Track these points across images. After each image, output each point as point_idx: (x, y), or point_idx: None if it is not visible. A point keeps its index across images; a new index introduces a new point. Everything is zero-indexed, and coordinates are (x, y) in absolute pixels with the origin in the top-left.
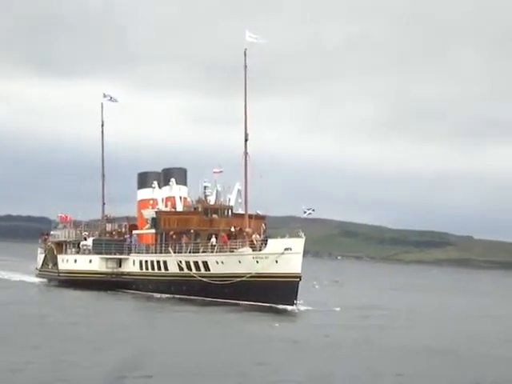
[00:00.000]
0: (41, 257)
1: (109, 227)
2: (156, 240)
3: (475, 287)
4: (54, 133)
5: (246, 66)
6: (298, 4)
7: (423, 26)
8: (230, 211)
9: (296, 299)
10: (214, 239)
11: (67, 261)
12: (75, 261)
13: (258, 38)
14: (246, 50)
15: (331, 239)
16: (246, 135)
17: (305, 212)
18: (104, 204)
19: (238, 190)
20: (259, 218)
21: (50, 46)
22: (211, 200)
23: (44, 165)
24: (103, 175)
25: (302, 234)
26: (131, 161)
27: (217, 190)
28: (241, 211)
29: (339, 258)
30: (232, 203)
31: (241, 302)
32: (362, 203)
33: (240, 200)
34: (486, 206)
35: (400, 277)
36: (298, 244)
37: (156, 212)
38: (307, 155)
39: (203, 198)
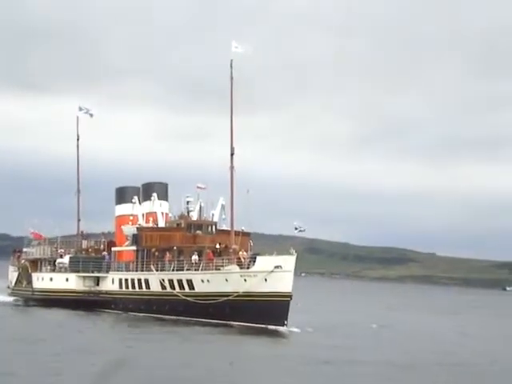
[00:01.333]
0: (13, 275)
1: (84, 244)
2: (137, 257)
3: (441, 304)
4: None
5: (232, 78)
6: (273, 21)
7: (398, 41)
8: (214, 227)
9: (287, 320)
10: (195, 256)
11: (42, 279)
12: (51, 279)
13: (245, 49)
14: (231, 61)
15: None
16: (232, 149)
17: (296, 229)
18: (79, 220)
19: (222, 206)
20: (245, 234)
21: (24, 62)
22: (193, 216)
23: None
24: (78, 191)
25: (294, 251)
26: (106, 176)
27: (200, 206)
28: (225, 227)
29: (303, 274)
30: (216, 219)
31: (227, 322)
32: (328, 220)
33: (224, 216)
34: (450, 222)
35: (365, 295)
36: (288, 262)
37: (137, 228)
38: (279, 171)
39: (186, 214)
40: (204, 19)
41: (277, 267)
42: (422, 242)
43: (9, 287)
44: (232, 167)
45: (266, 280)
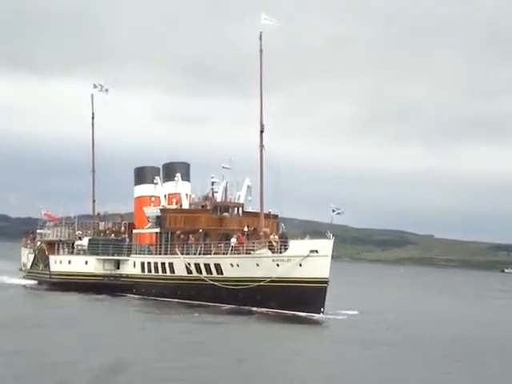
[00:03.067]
0: (28, 257)
1: (102, 226)
2: (160, 240)
3: (460, 287)
4: (31, 132)
5: (261, 51)
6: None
7: (402, 26)
8: (241, 209)
9: (323, 307)
10: (234, 239)
11: (60, 262)
12: (69, 262)
13: (274, 21)
14: (261, 33)
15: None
16: (262, 126)
17: (333, 211)
18: (94, 201)
19: (248, 187)
20: (273, 217)
21: (27, 45)
22: (217, 197)
23: (16, 164)
24: (93, 170)
25: (331, 235)
26: (117, 157)
27: (226, 187)
28: (251, 209)
29: None
30: (242, 201)
31: (256, 309)
32: (327, 203)
33: (250, 197)
34: (449, 205)
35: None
36: (326, 246)
37: (161, 209)
38: (281, 154)
39: (211, 195)
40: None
41: (312, 251)
42: (421, 224)
43: (21, 269)
44: (262, 146)
45: (300, 265)
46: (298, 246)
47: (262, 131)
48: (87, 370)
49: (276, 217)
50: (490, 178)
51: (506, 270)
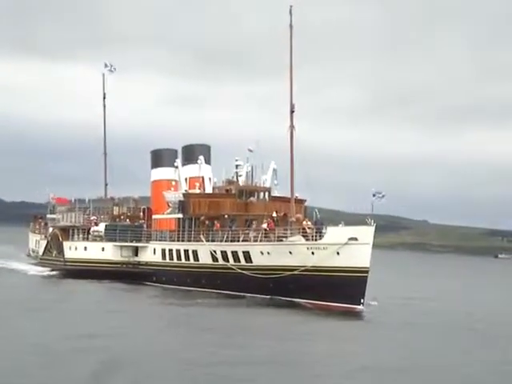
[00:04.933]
0: (40, 243)
1: (116, 210)
2: (183, 226)
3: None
4: (34, 115)
5: (291, 26)
6: None
7: (404, 11)
8: (268, 194)
9: (363, 298)
10: (265, 225)
11: (76, 248)
12: (85, 248)
13: None
14: (291, 7)
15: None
16: (292, 106)
17: (374, 195)
18: (106, 185)
19: (274, 170)
20: (300, 201)
21: (34, 29)
22: (241, 181)
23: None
24: (105, 153)
25: (372, 222)
26: (124, 140)
27: (252, 170)
28: (277, 194)
29: None
30: (268, 185)
31: (288, 299)
32: (321, 187)
33: (276, 181)
34: (444, 190)
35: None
36: (366, 233)
37: (184, 194)
38: (279, 138)
39: (235, 179)
40: None
41: (352, 239)
42: (416, 209)
43: (29, 255)
44: (292, 126)
45: (338, 253)
46: (335, 233)
47: (292, 111)
48: None
49: (303, 202)
50: (487, 163)
51: (500, 256)
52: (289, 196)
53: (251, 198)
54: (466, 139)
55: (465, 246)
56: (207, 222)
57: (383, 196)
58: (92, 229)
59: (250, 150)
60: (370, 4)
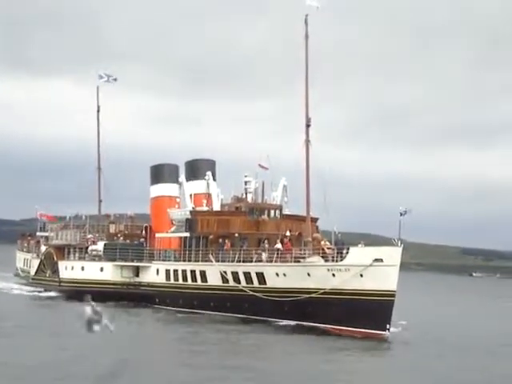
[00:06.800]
0: (22, 261)
1: (112, 228)
2: (189, 245)
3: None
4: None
5: (307, 36)
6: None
7: (398, 30)
8: (279, 211)
9: (390, 323)
10: (279, 245)
11: (72, 268)
12: (82, 268)
13: (319, 3)
14: (306, 16)
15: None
16: (308, 120)
17: (401, 214)
18: (100, 201)
19: (284, 187)
20: (313, 220)
21: (24, 44)
22: (249, 198)
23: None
24: (99, 168)
25: (399, 243)
26: (117, 156)
27: (263, 187)
28: (288, 212)
29: None
30: (278, 202)
31: (305, 324)
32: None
33: (286, 198)
34: (424, 209)
35: None
36: (393, 254)
37: (191, 212)
38: (288, 154)
39: (244, 196)
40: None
41: (377, 260)
42: (394, 228)
43: (17, 275)
44: (308, 140)
45: (361, 275)
46: (359, 254)
47: (308, 125)
48: None
49: (316, 220)
50: (465, 184)
51: (474, 274)
52: (299, 214)
53: (263, 216)
54: (446, 160)
55: (440, 264)
56: (220, 241)
57: (405, 212)
58: (90, 247)
59: (263, 167)
60: (359, 23)
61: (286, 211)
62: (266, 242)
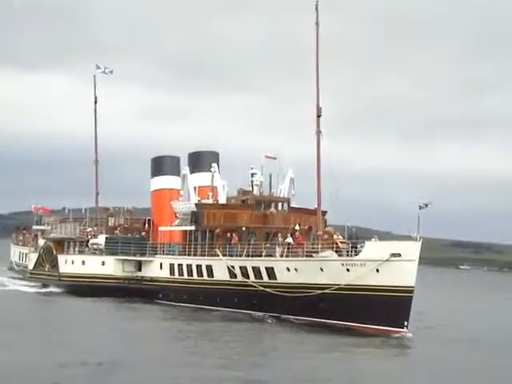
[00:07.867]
0: (16, 254)
1: (111, 222)
2: (194, 239)
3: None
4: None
5: (317, 24)
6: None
7: (385, 25)
8: (287, 204)
9: (408, 321)
10: (290, 239)
11: (72, 262)
12: (83, 262)
13: None
14: (317, 3)
15: None
16: (319, 110)
17: (421, 207)
18: (98, 194)
19: (291, 179)
20: (322, 213)
21: (13, 38)
22: (255, 190)
23: None
24: (96, 160)
25: (418, 237)
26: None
27: (264, 179)
28: (295, 205)
29: None
30: (285, 195)
31: (318, 320)
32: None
33: (293, 191)
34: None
35: None
36: (411, 249)
37: (196, 205)
38: (254, 151)
39: (250, 189)
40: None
41: (394, 255)
42: (381, 221)
43: (11, 269)
44: (319, 131)
45: (377, 270)
46: (375, 249)
47: (318, 115)
48: None
49: (324, 214)
50: (454, 178)
51: (462, 267)
52: (307, 207)
53: (271, 210)
54: (435, 153)
55: (428, 257)
56: (228, 235)
57: (426, 205)
58: (90, 241)
59: (270, 157)
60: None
61: (293, 204)
62: (278, 236)
